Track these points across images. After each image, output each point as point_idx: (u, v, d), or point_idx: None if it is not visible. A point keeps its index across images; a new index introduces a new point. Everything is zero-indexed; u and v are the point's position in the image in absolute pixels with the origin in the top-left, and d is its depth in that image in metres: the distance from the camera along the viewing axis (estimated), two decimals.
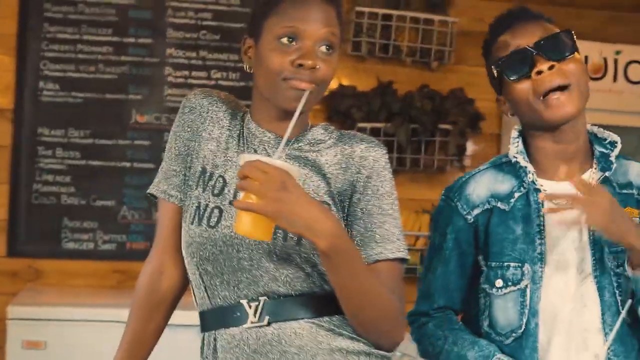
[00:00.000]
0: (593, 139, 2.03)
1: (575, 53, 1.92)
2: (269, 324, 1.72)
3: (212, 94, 1.92)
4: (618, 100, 4.66)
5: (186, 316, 2.18)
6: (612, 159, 1.96)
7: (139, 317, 1.92)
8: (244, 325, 1.73)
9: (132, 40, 4.61)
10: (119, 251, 4.58)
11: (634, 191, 1.97)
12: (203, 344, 1.84)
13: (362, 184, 1.79)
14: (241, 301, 1.74)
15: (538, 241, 1.92)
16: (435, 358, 2.01)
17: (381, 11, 4.59)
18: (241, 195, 1.60)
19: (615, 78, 4.67)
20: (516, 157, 1.96)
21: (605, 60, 4.67)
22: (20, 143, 4.48)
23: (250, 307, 1.73)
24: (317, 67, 1.73)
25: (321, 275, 1.73)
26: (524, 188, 1.95)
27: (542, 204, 1.88)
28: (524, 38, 1.93)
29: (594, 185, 1.86)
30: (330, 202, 1.77)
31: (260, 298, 1.73)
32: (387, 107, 4.50)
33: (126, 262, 4.55)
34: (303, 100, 1.70)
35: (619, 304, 1.87)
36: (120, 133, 4.58)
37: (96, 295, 4.28)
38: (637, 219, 1.90)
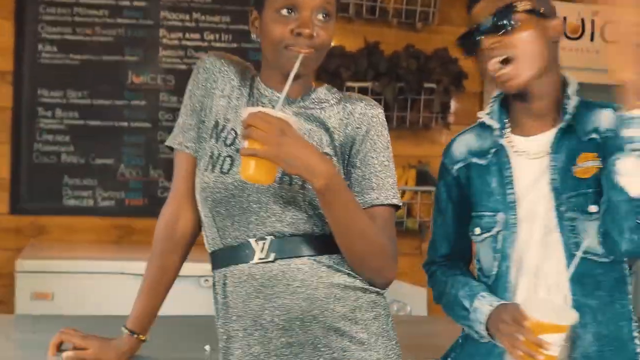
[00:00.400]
0: (562, 89, 2.10)
1: (518, 25, 1.97)
2: (274, 260, 1.89)
3: (224, 56, 2.07)
4: (595, 58, 4.73)
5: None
6: (568, 108, 2.02)
7: (158, 258, 2.08)
8: (252, 262, 1.89)
9: (127, 3, 4.68)
10: (117, 207, 4.69)
11: (597, 135, 2.01)
12: (214, 281, 2.01)
13: (361, 137, 1.95)
14: (249, 240, 1.90)
15: (509, 191, 2.03)
16: (441, 301, 2.16)
17: None
18: (245, 144, 1.75)
19: (592, 37, 4.76)
20: (482, 118, 2.10)
21: (582, 20, 4.76)
22: (21, 104, 4.56)
23: (257, 244, 1.89)
24: (315, 34, 1.89)
25: (322, 217, 1.89)
26: (497, 145, 2.07)
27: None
28: (477, 17, 2.00)
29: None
30: (332, 154, 1.93)
31: (267, 237, 1.89)
32: (374, 66, 4.62)
33: (125, 218, 4.68)
34: (297, 63, 1.85)
35: (574, 246, 1.95)
36: (117, 93, 4.67)
37: (97, 249, 4.42)
38: (592, 162, 1.98)
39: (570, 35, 4.68)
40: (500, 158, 2.05)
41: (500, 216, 2.02)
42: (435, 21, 4.90)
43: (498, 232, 2.02)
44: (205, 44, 4.77)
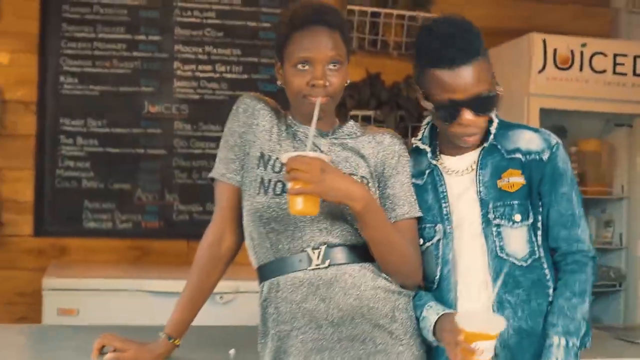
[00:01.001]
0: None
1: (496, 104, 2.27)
2: (328, 266, 2.17)
3: (259, 97, 2.36)
4: (584, 87, 4.85)
5: None
6: (492, 130, 2.29)
7: (200, 274, 2.33)
8: (309, 268, 2.17)
9: (143, 37, 4.92)
10: (135, 230, 4.89)
11: (519, 155, 2.29)
12: (262, 291, 2.26)
13: (390, 162, 2.27)
14: (306, 249, 2.18)
15: (444, 204, 2.31)
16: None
17: (370, 9, 4.98)
18: (290, 184, 2.04)
19: (581, 68, 4.85)
20: (416, 144, 2.37)
21: (572, 52, 4.84)
22: (44, 132, 4.78)
23: (314, 253, 2.18)
24: (327, 84, 2.18)
25: None
26: (430, 167, 2.34)
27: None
28: (459, 90, 2.19)
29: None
30: (368, 177, 2.23)
31: (320, 246, 2.18)
32: (376, 96, 4.89)
33: (142, 240, 4.90)
34: (316, 110, 2.16)
35: (498, 250, 2.24)
36: (134, 122, 4.89)
37: (116, 269, 4.63)
38: (517, 178, 2.26)
39: (560, 65, 4.83)
40: (434, 177, 2.32)
41: (439, 227, 2.29)
42: None
43: (438, 241, 2.29)
44: (217, 75, 4.99)
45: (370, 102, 4.84)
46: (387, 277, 2.23)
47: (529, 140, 2.29)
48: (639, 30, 5.64)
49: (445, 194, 2.31)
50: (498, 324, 2.07)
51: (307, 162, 2.03)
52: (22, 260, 4.73)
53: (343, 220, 2.20)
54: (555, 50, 4.83)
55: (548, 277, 2.27)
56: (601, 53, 4.90)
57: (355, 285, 2.18)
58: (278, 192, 2.20)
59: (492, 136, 2.29)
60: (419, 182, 2.34)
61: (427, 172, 2.33)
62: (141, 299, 4.10)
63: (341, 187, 2.07)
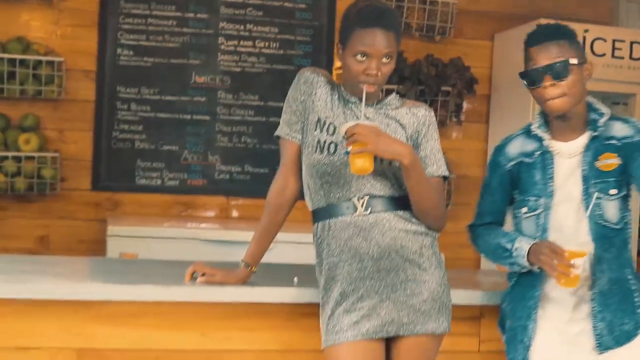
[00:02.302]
0: (590, 108, 2.72)
1: (569, 74, 2.62)
2: (370, 213, 2.65)
3: (316, 70, 2.78)
4: None
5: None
6: (600, 124, 2.68)
7: (270, 216, 2.77)
8: (355, 214, 2.65)
9: (191, 15, 5.27)
10: (181, 187, 5.28)
11: (614, 141, 2.67)
12: (317, 230, 2.72)
13: (424, 130, 2.73)
14: (352, 199, 2.64)
15: (549, 182, 2.74)
16: (482, 249, 2.90)
17: None
18: (350, 147, 2.48)
19: None
20: (535, 131, 2.79)
21: None
22: (102, 99, 5.15)
23: (359, 202, 2.66)
24: (378, 74, 2.62)
25: (401, 184, 2.66)
26: (543, 148, 2.78)
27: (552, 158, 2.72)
28: (541, 58, 2.62)
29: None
30: (405, 141, 2.67)
31: (364, 197, 2.66)
32: (399, 72, 5.24)
33: (187, 196, 5.30)
34: (364, 96, 2.60)
35: (597, 217, 2.67)
36: (182, 91, 5.24)
37: (165, 221, 5.05)
38: (614, 159, 2.68)
39: None
40: (544, 158, 2.76)
41: (542, 200, 2.74)
42: (451, 34, 5.52)
43: (540, 213, 2.74)
44: (257, 50, 5.36)
45: (393, 77, 5.13)
46: (416, 221, 2.68)
47: (622, 128, 2.70)
48: (635, 17, 5.98)
49: (552, 174, 2.74)
50: (586, 248, 2.60)
51: (365, 127, 2.50)
52: (81, 212, 5.12)
53: (384, 177, 2.67)
54: None
55: (629, 235, 2.72)
56: (601, 39, 5.23)
57: (391, 228, 2.64)
58: (332, 152, 2.65)
59: (601, 127, 2.68)
60: (529, 160, 2.78)
61: (537, 153, 2.77)
62: (190, 245, 4.55)
63: (393, 146, 2.54)
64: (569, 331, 2.71)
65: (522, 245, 2.71)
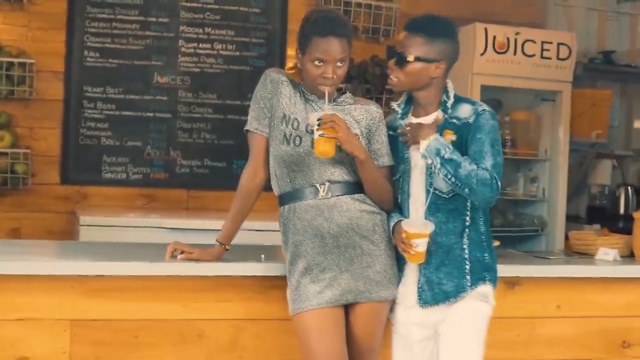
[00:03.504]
0: (445, 92, 2.98)
1: (406, 65, 2.90)
2: (330, 197, 2.91)
3: (281, 72, 3.05)
4: (517, 68, 5.51)
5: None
6: (448, 105, 2.94)
7: (242, 200, 3.02)
8: (317, 198, 2.90)
9: (153, 19, 5.46)
10: (144, 180, 5.47)
11: (455, 120, 2.92)
12: (283, 212, 2.94)
13: (375, 125, 3.02)
14: (315, 184, 2.89)
15: (405, 152, 2.97)
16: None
17: None
18: (319, 132, 2.75)
19: (515, 52, 5.49)
20: (394, 107, 3.11)
21: (508, 39, 5.48)
22: (70, 98, 5.32)
23: (321, 187, 2.92)
24: (334, 77, 2.85)
25: (356, 171, 2.93)
26: (401, 125, 3.01)
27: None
28: (396, 41, 2.98)
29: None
30: (359, 134, 2.96)
31: (326, 182, 2.90)
32: (346, 71, 5.51)
33: (150, 189, 5.50)
34: (326, 98, 2.84)
35: (428, 185, 2.93)
36: (145, 90, 5.43)
37: (129, 211, 5.26)
38: (449, 136, 2.90)
39: (498, 50, 5.47)
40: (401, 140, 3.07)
41: (401, 167, 3.05)
42: (395, 36, 5.70)
43: (400, 177, 3.05)
44: (215, 52, 5.56)
45: None
46: (370, 202, 2.95)
47: (465, 110, 2.96)
48: (563, 20, 6.29)
49: (406, 150, 3.00)
50: (429, 227, 2.87)
51: (340, 119, 2.79)
52: (51, 205, 5.29)
53: (342, 164, 2.94)
54: (494, 37, 5.49)
55: (467, 208, 2.95)
56: (531, 40, 5.57)
57: (348, 209, 2.92)
58: (297, 144, 2.92)
59: (449, 109, 2.97)
60: (391, 133, 3.07)
61: (398, 128, 3.06)
62: (155, 233, 4.71)
63: (355, 142, 2.85)
64: (401, 291, 3.00)
65: (390, 224, 3.00)
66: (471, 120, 2.94)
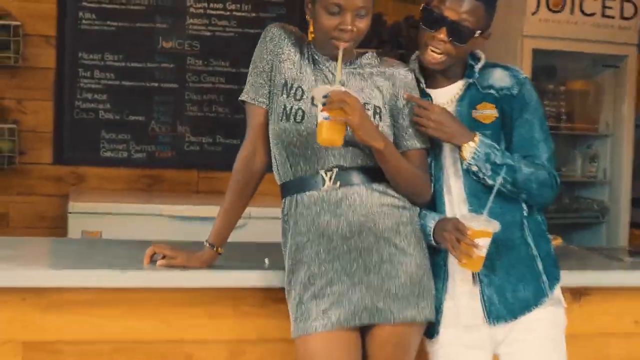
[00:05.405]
0: (470, 56, 2.65)
1: (467, 43, 2.51)
2: (339, 187, 2.46)
3: (285, 27, 2.59)
4: (574, 29, 5.13)
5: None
6: (476, 70, 2.57)
7: (237, 189, 2.59)
8: (322, 188, 2.46)
9: None
10: (148, 159, 5.21)
11: (493, 91, 2.60)
12: (284, 206, 2.55)
13: (403, 96, 2.53)
14: (319, 171, 2.47)
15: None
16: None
17: None
18: (324, 114, 2.28)
19: (572, 11, 5.11)
20: (414, 71, 2.63)
21: None
22: (63, 66, 5.06)
23: (326, 175, 2.47)
24: (354, 29, 2.42)
25: (373, 154, 2.47)
26: (424, 95, 2.62)
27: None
28: (449, 8, 2.49)
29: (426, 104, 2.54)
30: (381, 106, 2.50)
31: (333, 169, 2.47)
32: (377, 34, 5.13)
33: (154, 169, 5.21)
34: (340, 54, 2.40)
35: (471, 173, 2.54)
36: (149, 57, 5.17)
37: (131, 195, 4.94)
38: (492, 110, 2.57)
39: (553, 8, 5.09)
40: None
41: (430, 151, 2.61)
42: None
43: (431, 161, 2.59)
44: (228, 13, 5.27)
45: (372, 40, 5.07)
46: (394, 194, 2.50)
47: (501, 77, 2.58)
48: None
49: None
50: (495, 225, 2.41)
51: (351, 97, 2.31)
52: (41, 187, 5.03)
53: (354, 145, 2.46)
54: None
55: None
56: None
57: (363, 204, 2.46)
58: (299, 120, 2.46)
59: (476, 74, 2.57)
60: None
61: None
62: (158, 222, 4.42)
63: (371, 128, 2.37)
64: (448, 308, 2.58)
65: (427, 222, 2.56)
66: (515, 91, 2.58)
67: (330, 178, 2.47)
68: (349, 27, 2.39)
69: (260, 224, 3.86)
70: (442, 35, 2.48)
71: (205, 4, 5.25)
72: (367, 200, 2.47)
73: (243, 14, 5.29)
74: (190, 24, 5.24)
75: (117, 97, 5.14)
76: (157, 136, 5.23)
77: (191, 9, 5.23)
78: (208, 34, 5.27)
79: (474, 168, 2.49)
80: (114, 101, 5.14)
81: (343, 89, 2.35)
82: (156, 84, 5.20)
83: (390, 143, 2.45)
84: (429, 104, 2.49)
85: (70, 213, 4.36)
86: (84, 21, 5.08)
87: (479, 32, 2.50)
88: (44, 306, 2.59)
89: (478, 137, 2.49)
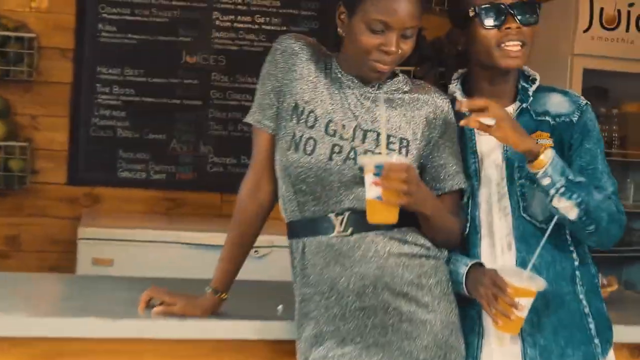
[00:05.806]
0: (521, 76, 2.38)
1: (537, 20, 2.28)
2: (351, 234, 2.15)
3: (300, 38, 2.28)
4: (630, 48, 4.87)
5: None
6: (530, 92, 2.33)
7: (240, 226, 2.32)
8: (332, 234, 2.15)
9: None
10: (168, 181, 4.99)
11: (549, 118, 2.32)
12: (291, 247, 2.25)
13: (441, 128, 2.22)
14: (329, 215, 2.15)
15: (472, 160, 2.31)
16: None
17: None
18: (376, 190, 2.01)
19: (627, 28, 4.87)
20: (454, 94, 2.34)
21: (619, 11, 4.86)
22: (80, 80, 4.84)
23: (337, 219, 2.15)
24: (398, 51, 2.11)
25: None
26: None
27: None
28: None
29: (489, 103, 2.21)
30: (410, 138, 2.18)
31: (345, 212, 2.15)
32: (418, 51, 4.84)
33: (175, 192, 4.99)
34: (382, 106, 2.13)
35: (521, 209, 2.26)
36: (171, 72, 4.95)
37: (149, 220, 4.69)
38: (547, 140, 2.27)
39: (606, 25, 4.85)
40: (465, 131, 2.30)
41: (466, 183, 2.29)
42: None
43: (467, 199, 2.29)
44: (256, 26, 5.04)
45: (411, 57, 4.78)
46: (415, 241, 2.21)
47: (557, 102, 2.32)
48: None
49: (475, 149, 2.30)
50: (540, 283, 2.11)
51: (408, 172, 2.03)
52: (54, 209, 4.81)
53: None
54: (601, 10, 4.83)
55: (569, 242, 2.29)
56: None
57: (377, 254, 2.16)
58: (309, 152, 2.16)
59: (530, 98, 2.30)
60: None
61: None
62: (176, 250, 4.16)
63: (424, 200, 2.11)
64: None
65: (458, 269, 2.27)
66: (575, 117, 2.31)
67: (342, 223, 2.17)
68: (394, 49, 2.10)
69: (286, 254, 3.60)
70: (514, 24, 2.23)
71: (233, 17, 5.05)
72: (382, 249, 2.17)
73: (272, 27, 5.08)
74: (216, 37, 5.04)
75: (136, 114, 4.94)
76: (178, 156, 5.02)
77: (217, 22, 5.02)
78: (235, 48, 5.07)
79: (546, 181, 2.16)
80: (133, 118, 4.94)
81: (395, 157, 2.08)
82: (178, 101, 5.00)
83: (437, 204, 2.19)
84: (485, 101, 2.17)
85: (79, 239, 4.10)
86: (103, 34, 4.89)
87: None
88: (23, 358, 2.31)
89: (550, 147, 2.20)
